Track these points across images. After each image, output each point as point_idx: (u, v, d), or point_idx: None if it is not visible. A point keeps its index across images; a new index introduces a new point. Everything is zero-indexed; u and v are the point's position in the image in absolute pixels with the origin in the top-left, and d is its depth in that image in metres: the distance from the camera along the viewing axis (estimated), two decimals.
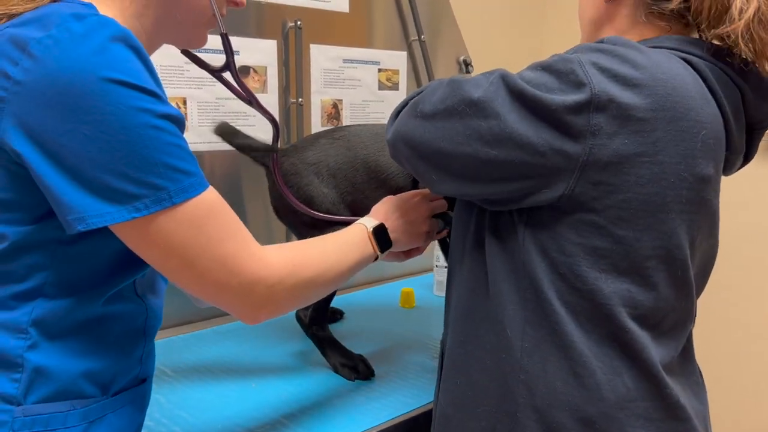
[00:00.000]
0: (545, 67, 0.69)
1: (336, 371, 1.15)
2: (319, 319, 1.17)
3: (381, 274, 1.75)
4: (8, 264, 0.63)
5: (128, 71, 0.58)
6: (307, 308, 1.16)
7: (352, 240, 0.86)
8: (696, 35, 0.77)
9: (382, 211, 0.95)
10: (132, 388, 0.73)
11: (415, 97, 0.81)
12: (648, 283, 0.70)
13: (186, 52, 0.84)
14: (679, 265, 0.71)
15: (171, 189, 0.61)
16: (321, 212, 1.07)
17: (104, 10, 0.67)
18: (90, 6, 0.63)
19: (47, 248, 0.64)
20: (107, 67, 0.57)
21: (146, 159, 0.59)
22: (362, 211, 1.05)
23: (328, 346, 1.17)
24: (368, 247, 0.88)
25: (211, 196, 0.65)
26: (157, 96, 0.60)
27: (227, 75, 0.84)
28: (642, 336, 0.70)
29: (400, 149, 0.79)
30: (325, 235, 0.84)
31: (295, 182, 1.11)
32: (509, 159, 0.68)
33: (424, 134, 0.75)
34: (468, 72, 1.87)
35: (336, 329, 1.19)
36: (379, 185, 1.11)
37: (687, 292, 0.74)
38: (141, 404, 0.76)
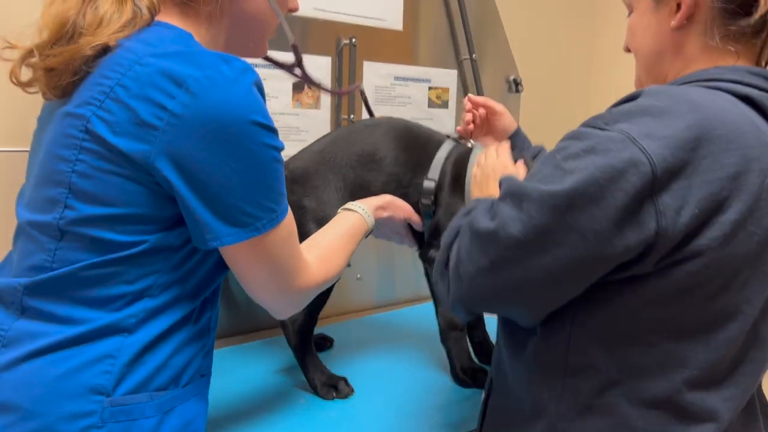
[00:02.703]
0: (588, 150, 0.63)
1: (313, 388, 1.12)
2: (306, 330, 1.14)
3: (421, 293, 1.73)
4: (129, 266, 0.69)
5: (265, 114, 0.69)
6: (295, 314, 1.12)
7: (356, 233, 0.97)
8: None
9: (376, 204, 1.06)
10: (196, 380, 0.77)
11: (448, 261, 0.76)
12: (710, 343, 0.68)
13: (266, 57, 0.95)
14: (748, 321, 0.68)
15: (278, 210, 0.72)
16: (324, 198, 1.14)
17: (197, 34, 0.76)
18: (189, 35, 0.73)
19: (164, 253, 0.71)
20: (253, 110, 0.68)
21: (271, 188, 0.71)
22: (360, 189, 1.16)
23: (310, 360, 1.14)
24: (362, 235, 0.99)
25: (290, 211, 0.76)
26: (277, 132, 0.71)
27: (298, 72, 1.01)
28: (698, 398, 0.68)
29: (473, 311, 0.78)
30: (339, 231, 0.95)
31: (299, 165, 1.17)
32: (584, 270, 0.66)
33: (483, 293, 0.72)
34: (518, 91, 1.86)
35: (375, 348, 1.17)
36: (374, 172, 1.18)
37: (759, 344, 0.71)
38: (204, 396, 0.80)
